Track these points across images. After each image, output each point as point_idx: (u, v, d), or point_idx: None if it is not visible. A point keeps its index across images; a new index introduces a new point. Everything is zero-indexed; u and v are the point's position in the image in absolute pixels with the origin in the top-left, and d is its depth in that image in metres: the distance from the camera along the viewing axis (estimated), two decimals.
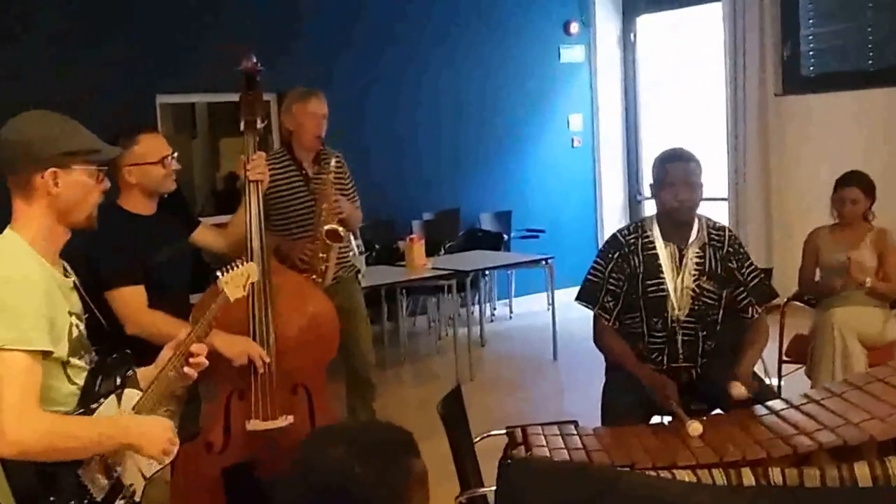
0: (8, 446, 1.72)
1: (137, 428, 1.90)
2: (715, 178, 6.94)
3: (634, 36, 7.85)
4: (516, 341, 6.51)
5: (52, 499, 1.81)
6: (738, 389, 2.65)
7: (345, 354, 3.61)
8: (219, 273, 2.15)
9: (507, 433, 2.44)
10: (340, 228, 3.32)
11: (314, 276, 3.38)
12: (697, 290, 2.93)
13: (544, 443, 2.37)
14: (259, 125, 2.89)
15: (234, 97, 2.96)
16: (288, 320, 2.85)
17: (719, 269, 2.96)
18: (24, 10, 5.27)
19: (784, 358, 4.11)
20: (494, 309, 7.17)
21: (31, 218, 1.89)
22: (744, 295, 2.98)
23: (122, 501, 1.93)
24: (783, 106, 6.77)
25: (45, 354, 1.81)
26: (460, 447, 2.36)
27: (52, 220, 1.90)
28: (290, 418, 2.78)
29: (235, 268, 2.21)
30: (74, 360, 1.91)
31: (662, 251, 2.95)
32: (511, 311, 7.23)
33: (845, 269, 3.75)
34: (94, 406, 1.92)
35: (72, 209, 1.92)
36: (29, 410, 1.73)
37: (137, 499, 1.98)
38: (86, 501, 1.85)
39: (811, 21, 6.69)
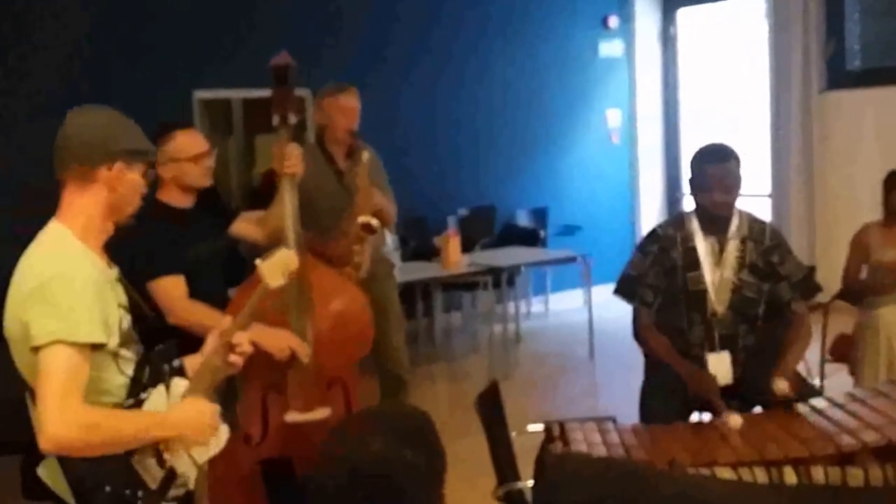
0: (47, 441, 1.73)
1: (175, 419, 1.91)
2: (757, 175, 6.84)
3: (674, 30, 7.76)
4: (552, 339, 6.47)
5: (107, 488, 1.82)
6: (782, 385, 2.59)
7: (377, 351, 3.60)
8: (258, 260, 2.15)
9: (544, 428, 2.42)
10: (374, 221, 3.32)
11: (349, 268, 3.38)
12: (738, 283, 2.89)
13: (582, 438, 2.35)
14: (292, 120, 2.90)
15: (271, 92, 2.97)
16: (323, 314, 2.86)
17: (760, 263, 2.92)
18: (62, 3, 5.36)
19: (827, 357, 4.04)
20: (530, 306, 7.14)
21: (81, 209, 1.91)
22: (786, 290, 2.93)
23: (176, 490, 1.95)
24: (828, 101, 6.65)
25: (96, 347, 1.82)
26: (498, 441, 2.35)
27: (102, 214, 1.93)
28: (328, 410, 2.79)
29: (273, 255, 2.21)
30: (123, 352, 1.93)
31: (702, 244, 2.92)
32: (547, 308, 7.20)
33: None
34: (142, 396, 1.94)
35: (123, 206, 1.95)
36: (70, 405, 1.74)
37: (191, 486, 1.99)
38: (140, 491, 1.86)
39: (856, 15, 6.55)
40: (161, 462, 1.92)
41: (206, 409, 1.96)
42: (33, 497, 1.93)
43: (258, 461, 2.80)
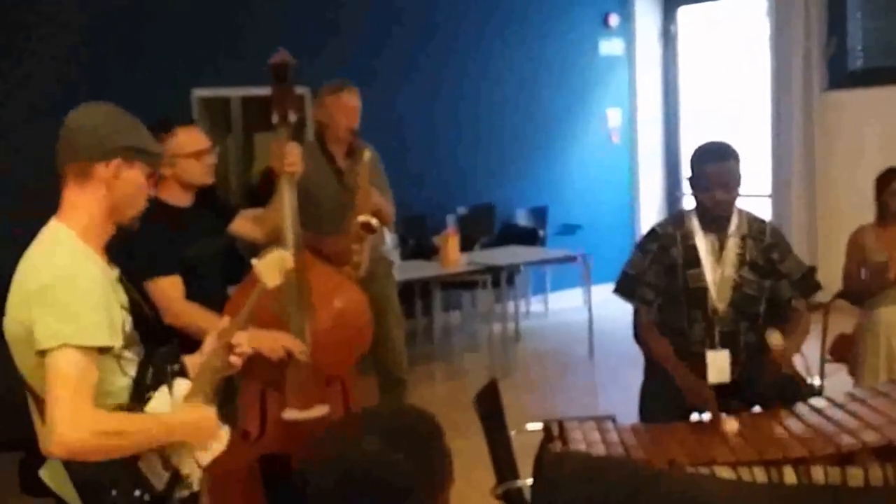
0: (57, 446, 1.70)
1: (180, 424, 1.90)
2: (758, 175, 6.84)
3: (675, 28, 7.75)
4: (551, 338, 6.47)
5: (113, 492, 1.80)
6: (776, 339, 2.59)
7: (376, 350, 3.59)
8: (254, 260, 2.15)
9: (543, 427, 2.41)
10: (374, 220, 3.32)
11: (348, 267, 3.37)
12: (738, 280, 2.89)
13: (581, 437, 2.35)
14: (291, 118, 2.89)
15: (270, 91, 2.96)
16: (322, 313, 2.85)
17: (760, 260, 2.91)
18: (60, 3, 5.35)
19: (827, 357, 4.03)
20: (530, 305, 7.14)
21: (82, 208, 1.88)
22: (787, 288, 2.92)
23: (181, 492, 1.94)
24: (829, 101, 6.64)
25: (103, 350, 1.79)
26: (497, 440, 2.34)
27: (102, 213, 1.90)
28: (326, 408, 2.79)
29: (267, 254, 2.20)
30: (126, 353, 1.91)
31: (702, 241, 2.92)
32: (546, 308, 7.19)
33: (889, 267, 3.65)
34: (146, 397, 1.93)
35: (122, 206, 1.91)
36: (81, 410, 1.70)
37: (196, 488, 1.98)
38: (147, 495, 1.85)
39: (858, 15, 6.55)
40: (166, 464, 1.91)
41: (208, 415, 1.95)
42: (32, 493, 1.92)
43: (256, 458, 2.80)
